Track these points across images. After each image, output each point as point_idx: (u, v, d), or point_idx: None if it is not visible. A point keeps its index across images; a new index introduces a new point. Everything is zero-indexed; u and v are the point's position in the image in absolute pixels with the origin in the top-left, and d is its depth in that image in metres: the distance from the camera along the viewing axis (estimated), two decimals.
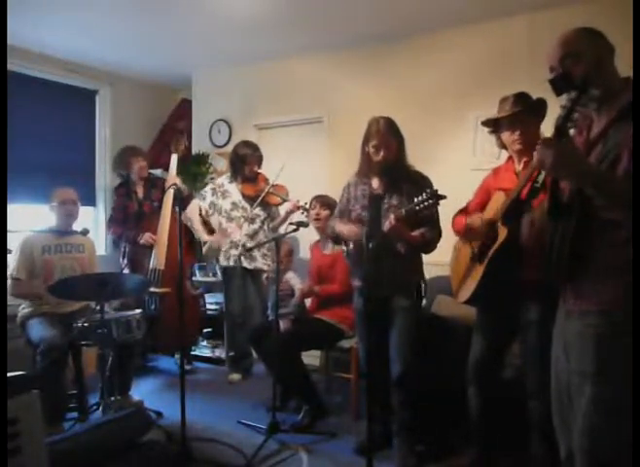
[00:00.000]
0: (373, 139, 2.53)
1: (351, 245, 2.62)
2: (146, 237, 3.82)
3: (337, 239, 2.79)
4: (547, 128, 1.58)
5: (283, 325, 3.21)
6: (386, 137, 2.52)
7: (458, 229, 2.39)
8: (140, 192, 4.11)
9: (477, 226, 2.23)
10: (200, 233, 3.95)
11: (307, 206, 3.54)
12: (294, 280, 3.58)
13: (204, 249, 4.03)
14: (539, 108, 2.22)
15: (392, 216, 2.34)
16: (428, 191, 2.22)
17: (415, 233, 2.46)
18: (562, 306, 1.69)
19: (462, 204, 2.50)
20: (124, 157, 4.10)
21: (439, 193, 2.21)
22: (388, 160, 2.53)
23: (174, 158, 3.99)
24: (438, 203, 2.22)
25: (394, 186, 2.56)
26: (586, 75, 1.48)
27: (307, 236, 3.74)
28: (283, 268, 3.57)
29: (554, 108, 1.51)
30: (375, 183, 2.63)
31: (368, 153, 2.57)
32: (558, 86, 1.49)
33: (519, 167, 2.25)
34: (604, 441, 1.51)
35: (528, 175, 1.98)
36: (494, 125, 2.32)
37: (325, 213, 3.35)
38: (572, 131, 1.69)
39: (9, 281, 3.13)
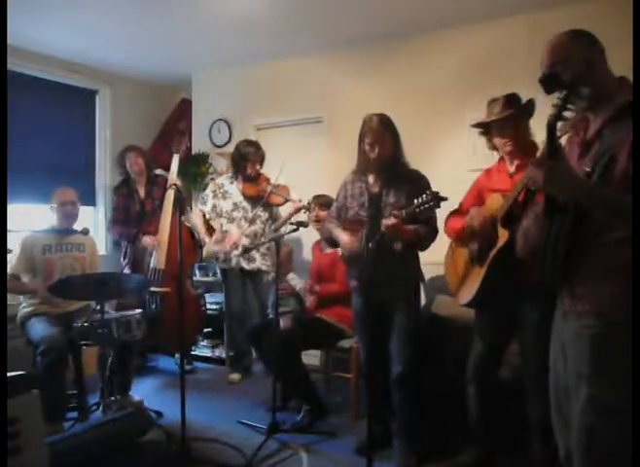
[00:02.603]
0: (367, 137, 2.52)
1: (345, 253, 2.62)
2: (147, 241, 3.82)
3: (333, 243, 2.78)
4: (540, 128, 1.59)
5: (283, 323, 3.21)
6: (381, 134, 2.51)
7: (452, 232, 2.38)
8: (142, 191, 4.12)
9: (478, 223, 2.19)
10: (203, 237, 3.94)
11: (308, 206, 3.54)
12: (295, 281, 3.58)
13: (204, 251, 4.02)
14: (528, 109, 2.22)
15: (392, 219, 2.32)
16: (428, 192, 2.20)
17: (410, 227, 2.43)
18: (559, 307, 1.69)
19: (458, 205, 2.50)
20: (121, 154, 4.13)
21: (439, 194, 2.18)
22: (383, 157, 2.52)
23: (176, 158, 3.99)
24: (438, 205, 2.20)
25: (391, 183, 2.56)
26: (576, 74, 1.49)
27: (309, 236, 3.74)
28: (284, 270, 3.57)
29: (548, 108, 1.52)
30: (372, 180, 2.63)
31: (364, 150, 2.56)
32: (548, 85, 1.51)
33: (512, 169, 2.25)
34: (601, 441, 1.51)
35: (525, 179, 1.98)
36: (484, 128, 2.32)
37: (324, 214, 3.34)
38: (565, 130, 1.71)
39: (8, 279, 3.13)
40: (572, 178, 1.51)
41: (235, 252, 3.83)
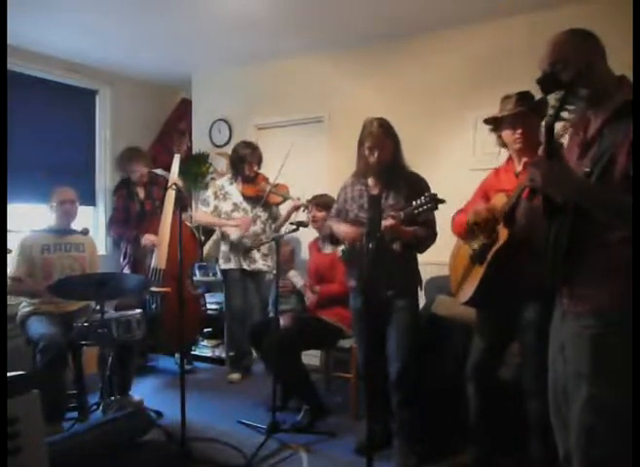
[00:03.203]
0: (367, 141, 2.53)
1: (346, 245, 2.62)
2: (148, 239, 3.82)
3: (333, 240, 2.79)
4: None
5: (283, 321, 3.21)
6: (380, 139, 2.51)
7: (458, 229, 2.38)
8: (141, 192, 4.13)
9: (481, 219, 2.16)
10: (225, 224, 3.87)
11: (307, 204, 3.54)
12: (296, 278, 3.58)
13: (206, 242, 4.02)
14: (541, 108, 2.22)
15: (390, 220, 2.33)
16: (427, 194, 2.21)
17: (408, 228, 2.44)
18: (558, 307, 1.69)
19: (461, 204, 2.49)
20: (123, 160, 4.14)
21: (437, 196, 2.20)
22: (383, 161, 2.53)
23: (177, 158, 3.99)
24: (436, 207, 2.21)
25: (390, 186, 2.57)
26: (574, 75, 1.49)
27: (308, 235, 3.74)
28: (286, 267, 3.57)
29: None
30: (372, 183, 2.64)
31: (363, 154, 2.57)
32: (546, 85, 1.51)
33: (519, 168, 2.25)
34: (601, 440, 1.51)
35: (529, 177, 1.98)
36: (495, 124, 2.32)
37: (320, 215, 3.36)
38: (564, 131, 1.70)
39: (8, 281, 3.12)
40: (571, 179, 1.50)
41: (234, 253, 3.83)
